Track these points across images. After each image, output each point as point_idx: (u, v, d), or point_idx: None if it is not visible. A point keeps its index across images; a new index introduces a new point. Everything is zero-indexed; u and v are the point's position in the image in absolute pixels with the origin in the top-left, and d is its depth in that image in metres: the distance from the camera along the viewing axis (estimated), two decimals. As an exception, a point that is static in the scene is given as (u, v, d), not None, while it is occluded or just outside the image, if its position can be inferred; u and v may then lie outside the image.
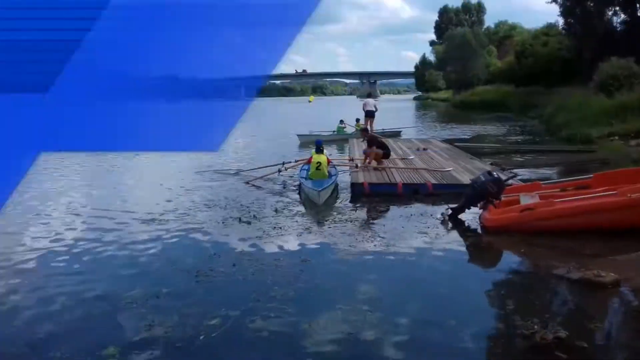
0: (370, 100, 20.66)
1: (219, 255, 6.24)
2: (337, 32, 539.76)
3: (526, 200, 7.33)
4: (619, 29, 30.67)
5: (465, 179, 9.90)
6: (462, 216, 7.69)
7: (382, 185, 9.72)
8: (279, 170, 11.07)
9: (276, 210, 8.34)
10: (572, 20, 32.31)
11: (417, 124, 30.07)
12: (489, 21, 78.17)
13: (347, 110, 39.43)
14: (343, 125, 20.80)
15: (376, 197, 9.25)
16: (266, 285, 5.18)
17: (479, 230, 7.30)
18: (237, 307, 4.67)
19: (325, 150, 10.56)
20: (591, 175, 7.91)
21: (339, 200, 9.35)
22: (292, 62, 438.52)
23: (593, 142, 16.59)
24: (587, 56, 28.66)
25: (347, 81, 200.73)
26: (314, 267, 5.85)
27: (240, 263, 5.92)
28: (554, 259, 5.78)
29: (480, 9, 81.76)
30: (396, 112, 51.59)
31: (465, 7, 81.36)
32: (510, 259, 6.35)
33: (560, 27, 35.48)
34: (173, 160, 14.35)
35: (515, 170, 11.87)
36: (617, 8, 30.72)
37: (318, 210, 8.46)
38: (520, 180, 10.85)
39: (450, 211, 7.66)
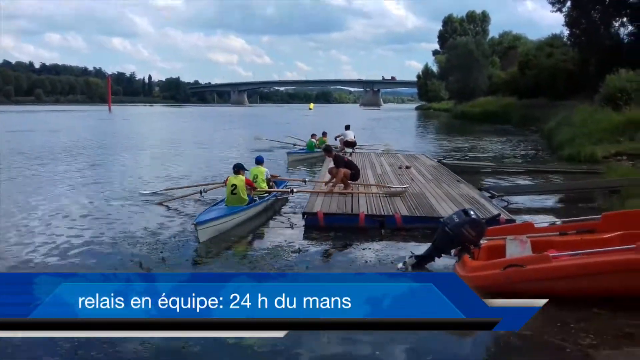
0: (348, 132, 18.18)
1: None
2: (341, 40, 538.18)
3: (513, 249, 5.56)
4: (626, 41, 28.99)
5: (446, 209, 8.19)
6: (431, 265, 5.90)
7: (341, 216, 7.94)
8: (201, 192, 9.34)
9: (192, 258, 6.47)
10: (577, 31, 30.59)
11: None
12: (494, 32, 76.52)
13: (344, 119, 37.64)
14: (314, 140, 17.72)
15: (332, 232, 7.49)
16: None
17: (451, 288, 5.49)
18: None
19: (261, 166, 8.93)
20: (599, 216, 6.11)
21: (286, 235, 7.57)
22: (297, 68, 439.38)
23: (598, 162, 14.86)
24: (593, 68, 27.06)
25: (352, 89, 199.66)
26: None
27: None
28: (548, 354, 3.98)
29: (485, 18, 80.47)
30: (397, 122, 49.80)
31: (470, 17, 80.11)
32: (482, 347, 4.32)
33: (565, 38, 33.77)
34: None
35: (507, 198, 10.13)
36: (625, 19, 29.08)
37: (241, 251, 6.62)
38: (514, 208, 9.15)
39: (414, 260, 5.87)
